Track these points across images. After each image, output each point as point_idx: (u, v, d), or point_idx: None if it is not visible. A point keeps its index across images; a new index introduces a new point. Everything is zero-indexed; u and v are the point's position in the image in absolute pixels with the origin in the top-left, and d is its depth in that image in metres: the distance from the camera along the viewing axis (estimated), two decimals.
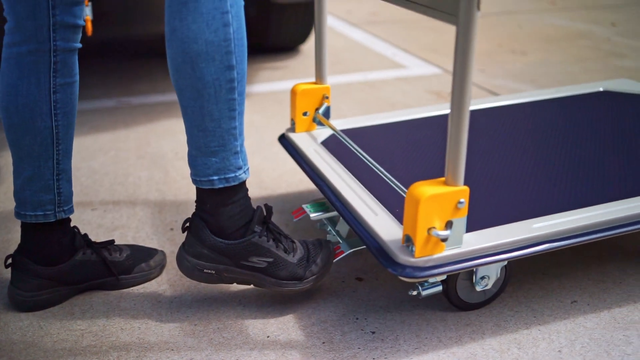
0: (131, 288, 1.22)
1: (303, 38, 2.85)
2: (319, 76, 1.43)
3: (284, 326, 1.11)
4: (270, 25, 2.71)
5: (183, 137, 1.96)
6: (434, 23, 3.52)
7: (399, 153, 1.35)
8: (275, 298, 1.18)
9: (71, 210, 1.16)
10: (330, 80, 2.53)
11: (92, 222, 1.47)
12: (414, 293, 1.09)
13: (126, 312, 1.15)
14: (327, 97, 1.44)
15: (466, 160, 1.31)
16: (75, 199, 1.58)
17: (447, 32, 3.33)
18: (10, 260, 1.21)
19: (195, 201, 1.08)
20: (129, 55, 2.85)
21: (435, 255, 0.97)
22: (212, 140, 1.02)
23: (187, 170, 1.74)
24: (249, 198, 1.10)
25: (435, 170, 1.27)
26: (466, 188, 0.94)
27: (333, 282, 1.23)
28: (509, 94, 1.69)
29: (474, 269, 1.08)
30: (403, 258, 0.97)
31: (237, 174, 1.05)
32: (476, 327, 1.10)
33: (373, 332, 1.10)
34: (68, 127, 1.11)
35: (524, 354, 1.04)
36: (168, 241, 1.39)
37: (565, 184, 1.21)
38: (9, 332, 1.10)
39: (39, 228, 1.12)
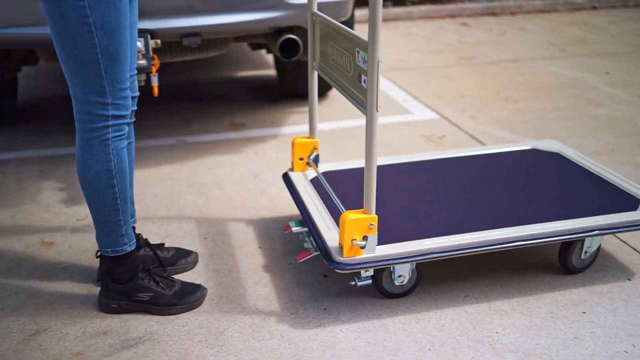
0: (173, 276, 1.84)
1: (326, 88, 3.46)
2: (311, 132, 2.04)
3: (269, 302, 1.70)
4: (300, 77, 3.34)
5: (222, 171, 2.59)
6: (446, 71, 4.08)
7: (357, 190, 1.93)
8: (269, 286, 1.78)
9: (135, 221, 1.79)
10: (343, 123, 3.12)
11: (152, 231, 2.11)
12: (352, 283, 1.67)
13: None
14: (316, 148, 2.04)
15: (394, 196, 1.88)
16: (141, 215, 2.22)
17: (456, 79, 3.87)
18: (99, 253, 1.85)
19: (100, 262, 1.69)
20: (186, 99, 3.53)
21: (356, 257, 1.55)
22: (105, 229, 1.62)
23: (222, 197, 2.36)
24: (137, 258, 1.68)
25: (379, 204, 1.85)
26: (375, 216, 1.52)
27: (307, 277, 1.82)
28: (453, 149, 2.24)
29: (392, 268, 1.65)
30: (336, 258, 1.55)
31: (123, 248, 1.65)
32: (393, 309, 1.67)
33: (325, 309, 1.68)
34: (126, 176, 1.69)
35: (419, 326, 1.60)
36: (202, 247, 2.00)
37: (457, 216, 1.76)
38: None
39: None
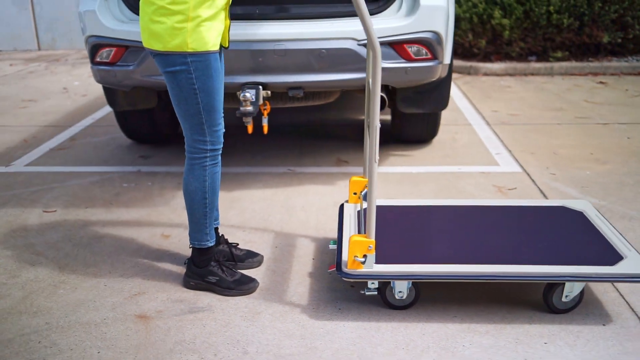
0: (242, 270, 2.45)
1: (430, 137, 3.92)
2: (364, 173, 2.55)
3: (301, 298, 2.24)
4: (404, 125, 3.84)
5: (313, 198, 3.18)
6: (554, 129, 4.32)
7: (391, 222, 2.41)
8: (306, 288, 2.32)
9: (218, 224, 2.43)
10: (431, 169, 3.56)
11: (239, 236, 2.74)
12: (362, 292, 2.15)
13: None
14: (365, 186, 2.55)
15: (410, 230, 2.32)
16: (237, 224, 2.87)
17: (559, 137, 4.12)
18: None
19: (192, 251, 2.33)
20: (304, 136, 4.19)
21: (357, 270, 2.04)
22: (195, 228, 2.26)
23: (303, 218, 2.94)
24: (214, 251, 2.29)
25: (396, 234, 2.31)
26: (373, 240, 2.00)
27: (338, 284, 2.32)
28: (488, 199, 2.61)
29: (392, 284, 2.11)
30: (343, 269, 2.05)
31: (205, 243, 2.28)
32: (391, 317, 2.12)
33: (339, 309, 2.18)
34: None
35: (405, 331, 2.04)
36: (270, 252, 2.59)
37: (456, 251, 2.16)
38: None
39: None
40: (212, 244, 2.31)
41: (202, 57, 2.05)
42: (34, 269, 2.49)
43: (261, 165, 3.66)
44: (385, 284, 2.14)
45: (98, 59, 3.18)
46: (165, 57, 2.06)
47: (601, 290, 2.27)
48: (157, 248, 2.65)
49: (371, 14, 3.09)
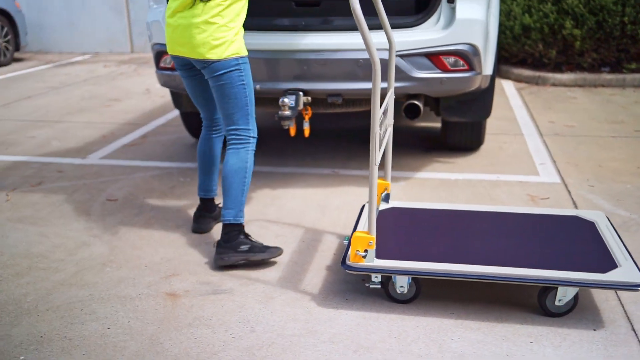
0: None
1: (475, 145, 4.02)
2: (385, 176, 2.73)
3: (314, 287, 2.45)
4: (449, 133, 3.97)
5: (349, 198, 3.37)
6: (608, 141, 4.30)
7: (405, 222, 2.57)
8: (321, 279, 2.52)
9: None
10: (470, 176, 3.67)
11: (273, 230, 2.98)
12: (366, 285, 2.33)
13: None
14: (387, 188, 2.73)
15: (419, 231, 2.47)
16: (272, 219, 3.11)
17: (610, 150, 4.10)
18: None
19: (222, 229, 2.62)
20: (346, 140, 4.38)
21: (358, 263, 2.22)
22: (231, 204, 2.56)
23: (335, 216, 3.14)
24: (243, 226, 2.58)
25: (403, 234, 2.47)
26: (373, 237, 2.18)
27: (351, 277, 2.51)
28: (504, 205, 2.71)
29: (393, 279, 2.27)
30: (347, 262, 2.25)
31: (239, 219, 2.58)
32: (391, 309, 2.28)
33: (347, 299, 2.37)
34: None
35: (401, 323, 2.20)
36: (297, 245, 2.81)
37: (458, 252, 2.30)
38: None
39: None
40: (243, 220, 2.62)
41: (245, 59, 2.54)
42: (88, 249, 2.83)
43: (308, 166, 3.89)
44: (388, 278, 2.31)
45: (162, 65, 3.52)
46: (222, 63, 2.49)
47: (602, 297, 2.34)
48: (197, 236, 2.93)
49: (410, 26, 3.26)
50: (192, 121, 4.23)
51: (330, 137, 4.52)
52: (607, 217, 2.62)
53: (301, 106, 3.23)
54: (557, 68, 6.48)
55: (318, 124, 4.89)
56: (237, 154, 2.59)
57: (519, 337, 2.12)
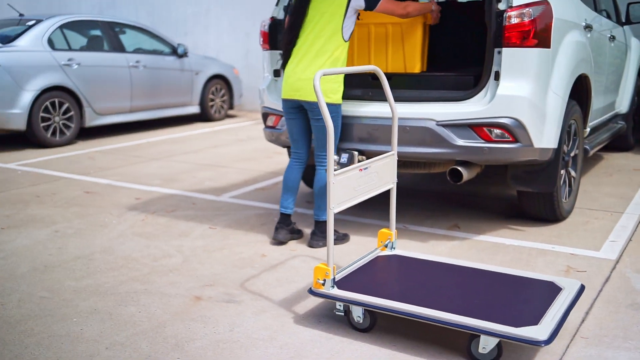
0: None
1: (549, 216, 4.11)
2: (390, 227, 3.14)
3: (302, 308, 2.94)
4: (521, 202, 4.13)
5: (407, 247, 3.76)
6: None
7: (383, 271, 2.94)
8: (314, 300, 3.00)
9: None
10: (526, 244, 3.80)
11: (318, 259, 3.52)
12: (334, 311, 2.77)
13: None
14: (390, 237, 3.13)
15: (388, 274, 2.82)
16: (323, 254, 3.64)
17: None
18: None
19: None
20: (422, 199, 4.69)
21: (318, 289, 2.69)
22: (321, 207, 3.32)
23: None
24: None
25: (372, 275, 2.84)
26: (329, 268, 2.64)
27: (329, 306, 2.95)
28: (496, 266, 2.92)
29: (350, 309, 2.68)
30: (311, 288, 2.72)
31: (326, 216, 3.31)
32: (351, 334, 2.68)
33: (320, 322, 2.82)
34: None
35: (336, 345, 2.60)
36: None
37: (411, 294, 2.62)
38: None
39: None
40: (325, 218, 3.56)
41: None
42: (168, 259, 3.65)
43: (378, 219, 4.34)
44: (349, 310, 2.73)
45: (268, 124, 4.32)
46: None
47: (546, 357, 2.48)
48: (249, 262, 3.59)
49: (461, 99, 3.63)
50: (306, 171, 4.95)
51: (406, 195, 4.89)
52: (582, 287, 2.71)
53: (355, 163, 3.76)
54: None
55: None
56: (321, 173, 3.63)
57: None
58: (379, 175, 2.97)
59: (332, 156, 2.58)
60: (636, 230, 4.06)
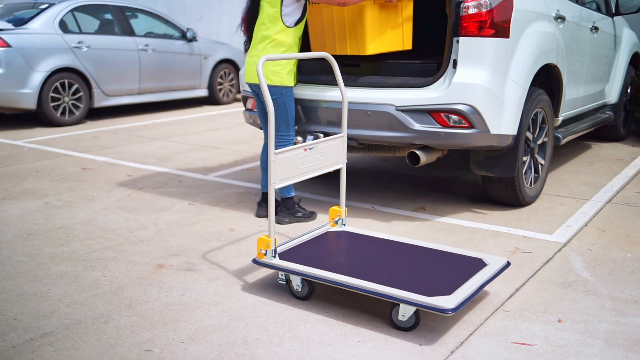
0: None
1: (512, 201, 4.26)
2: (340, 204, 3.34)
3: (253, 276, 3.17)
4: (485, 186, 4.29)
5: (359, 226, 3.96)
6: None
7: (328, 245, 3.15)
8: (265, 270, 3.22)
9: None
10: (483, 226, 3.96)
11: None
12: (278, 280, 2.99)
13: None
14: (339, 214, 3.33)
15: (332, 248, 3.02)
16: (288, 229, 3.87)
17: None
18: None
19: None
20: (381, 180, 4.87)
21: (261, 259, 2.91)
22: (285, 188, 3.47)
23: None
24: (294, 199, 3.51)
25: (317, 246, 3.05)
26: (270, 239, 2.86)
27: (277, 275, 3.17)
28: (431, 242, 3.11)
29: (290, 278, 2.90)
30: (255, 258, 2.94)
31: (291, 194, 3.75)
32: (290, 300, 2.90)
33: (266, 290, 3.04)
34: None
35: (273, 311, 2.82)
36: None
37: (347, 266, 2.83)
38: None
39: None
40: (294, 194, 3.75)
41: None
42: (143, 231, 3.91)
43: (351, 200, 4.54)
44: (289, 279, 2.94)
45: (247, 106, 4.54)
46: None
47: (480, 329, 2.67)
48: (216, 236, 3.83)
49: (422, 86, 3.80)
50: None
51: (375, 178, 5.07)
52: (508, 264, 2.89)
53: None
54: None
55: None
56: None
57: (354, 336, 2.60)
58: (326, 155, 3.17)
59: (272, 135, 2.78)
60: (595, 216, 4.19)
